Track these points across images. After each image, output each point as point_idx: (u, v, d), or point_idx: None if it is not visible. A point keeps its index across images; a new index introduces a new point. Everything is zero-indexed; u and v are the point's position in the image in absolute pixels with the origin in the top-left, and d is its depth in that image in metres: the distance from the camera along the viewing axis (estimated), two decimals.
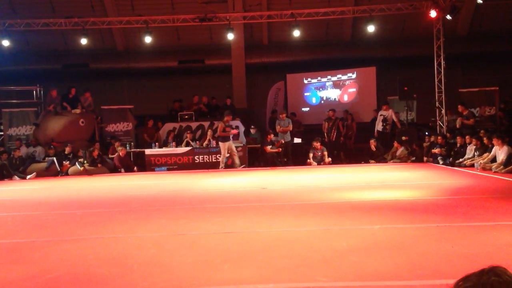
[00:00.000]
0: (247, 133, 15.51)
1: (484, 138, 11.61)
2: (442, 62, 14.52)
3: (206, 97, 16.80)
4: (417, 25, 16.62)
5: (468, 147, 11.99)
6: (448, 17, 14.06)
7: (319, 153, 14.06)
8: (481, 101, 14.46)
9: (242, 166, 13.63)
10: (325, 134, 15.04)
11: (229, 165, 14.02)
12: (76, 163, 13.68)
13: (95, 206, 7.35)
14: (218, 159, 14.20)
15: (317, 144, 14.01)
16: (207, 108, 16.50)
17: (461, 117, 13.73)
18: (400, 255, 3.81)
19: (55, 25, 15.11)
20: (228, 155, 13.63)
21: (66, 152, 14.06)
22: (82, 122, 15.18)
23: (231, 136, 13.59)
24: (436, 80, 14.71)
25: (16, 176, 12.99)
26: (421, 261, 3.65)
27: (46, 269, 3.79)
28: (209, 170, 13.56)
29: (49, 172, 13.52)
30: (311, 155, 14.06)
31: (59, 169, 13.66)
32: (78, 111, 15.13)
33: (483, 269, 1.47)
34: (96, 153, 13.80)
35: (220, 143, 13.55)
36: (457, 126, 13.67)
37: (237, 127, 15.31)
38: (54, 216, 6.54)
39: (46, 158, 13.97)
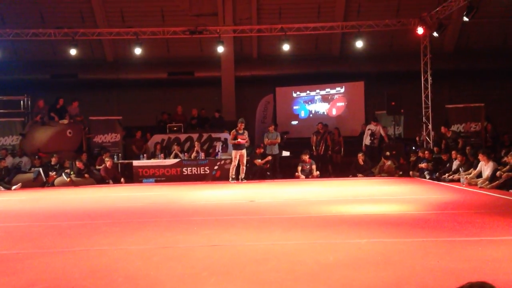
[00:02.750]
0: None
1: (469, 155, 11.73)
2: (429, 78, 14.71)
3: (196, 109, 16.74)
4: (405, 41, 16.86)
5: (454, 162, 12.12)
6: (435, 34, 14.29)
7: (308, 166, 14.10)
8: (467, 117, 14.66)
9: (242, 180, 13.25)
10: (314, 148, 15.10)
11: (217, 177, 13.97)
12: (63, 174, 13.54)
13: (80, 218, 7.27)
14: (207, 171, 14.16)
15: (305, 157, 14.06)
16: (197, 120, 16.46)
17: (445, 139, 13.87)
18: (387, 270, 3.83)
19: (44, 35, 15.05)
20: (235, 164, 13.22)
21: (52, 163, 13.92)
22: (70, 133, 15.07)
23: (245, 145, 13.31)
24: (423, 96, 14.89)
25: (1, 187, 12.83)
26: (407, 276, 3.66)
27: (30, 282, 3.74)
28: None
29: (35, 183, 13.38)
30: (299, 168, 14.10)
31: (45, 180, 13.51)
32: (65, 121, 15.03)
33: (472, 285, 1.45)
34: (80, 164, 13.60)
35: (232, 151, 13.39)
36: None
37: (225, 140, 15.29)
38: (39, 227, 6.47)
39: (32, 169, 13.82)
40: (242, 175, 13.29)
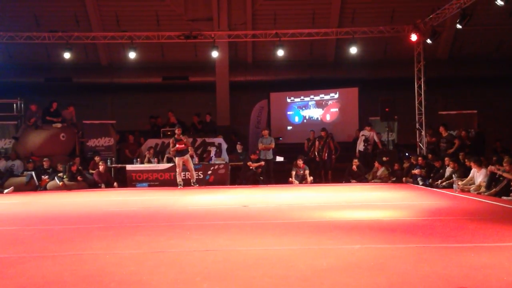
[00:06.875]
0: (231, 150, 15.49)
1: (466, 161, 11.76)
2: (423, 85, 14.79)
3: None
4: (399, 48, 16.97)
5: (447, 169, 12.18)
6: (429, 41, 14.39)
7: (302, 172, 14.13)
8: (460, 124, 14.74)
9: (195, 184, 13.25)
10: (316, 153, 15.08)
11: (211, 182, 13.92)
12: (55, 178, 13.47)
13: (73, 222, 7.23)
14: (200, 176, 14.14)
15: (299, 163, 14.08)
16: (200, 125, 16.32)
17: (441, 139, 13.94)
18: (380, 275, 3.83)
19: (38, 39, 14.99)
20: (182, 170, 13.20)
21: (44, 167, 13.84)
22: (63, 137, 15.01)
23: (189, 150, 13.26)
24: (416, 102, 14.96)
25: None
26: (400, 282, 3.67)
27: (21, 286, 3.71)
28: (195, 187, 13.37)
29: (28, 187, 13.28)
30: (293, 173, 14.11)
31: (37, 184, 13.43)
32: (59, 125, 14.97)
33: None
34: (75, 167, 13.60)
35: (175, 159, 13.24)
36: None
37: (219, 145, 15.30)
38: (31, 231, 6.42)
39: (25, 172, 13.73)
40: (193, 179, 13.27)
